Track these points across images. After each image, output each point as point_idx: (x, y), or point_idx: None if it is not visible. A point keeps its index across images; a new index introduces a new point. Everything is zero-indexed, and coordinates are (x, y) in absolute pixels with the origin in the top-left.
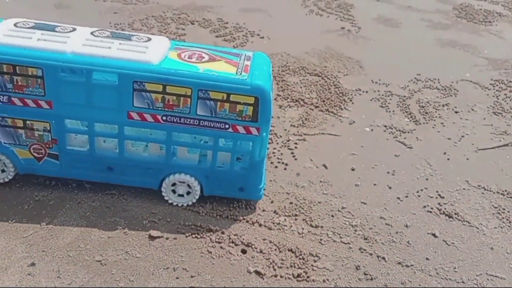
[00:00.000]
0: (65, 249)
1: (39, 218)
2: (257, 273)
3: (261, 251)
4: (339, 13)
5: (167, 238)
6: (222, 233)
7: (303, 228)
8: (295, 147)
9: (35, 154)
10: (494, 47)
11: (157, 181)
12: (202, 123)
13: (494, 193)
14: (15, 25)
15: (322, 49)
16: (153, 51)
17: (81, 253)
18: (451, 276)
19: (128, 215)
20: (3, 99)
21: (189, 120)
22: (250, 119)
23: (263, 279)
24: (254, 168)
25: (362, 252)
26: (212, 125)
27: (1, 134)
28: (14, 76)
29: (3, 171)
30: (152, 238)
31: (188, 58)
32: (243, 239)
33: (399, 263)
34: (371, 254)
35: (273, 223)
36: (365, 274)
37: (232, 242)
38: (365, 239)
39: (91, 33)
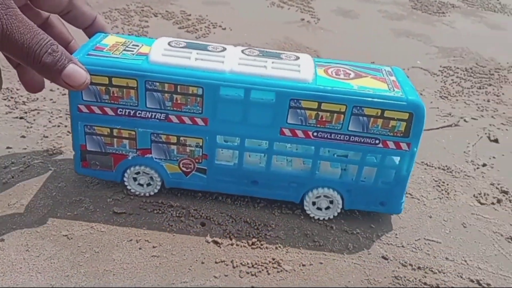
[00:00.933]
0: (32, 226)
1: (6, 199)
2: (215, 242)
3: (218, 224)
4: (300, 5)
5: (130, 214)
6: (183, 208)
7: (258, 202)
8: None
9: (184, 169)
10: (445, 37)
11: (299, 195)
12: (352, 138)
13: (435, 168)
14: (169, 44)
15: (281, 39)
16: (306, 70)
17: (48, 228)
18: (392, 241)
19: (93, 194)
20: (160, 116)
21: (339, 135)
22: (401, 134)
23: (220, 247)
24: (399, 182)
25: (312, 222)
26: (362, 140)
27: (153, 150)
28: (174, 95)
29: (148, 184)
30: (116, 214)
31: (336, 74)
32: (202, 213)
33: (346, 231)
34: (320, 224)
35: (231, 199)
36: (314, 241)
37: (192, 216)
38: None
39: (242, 51)
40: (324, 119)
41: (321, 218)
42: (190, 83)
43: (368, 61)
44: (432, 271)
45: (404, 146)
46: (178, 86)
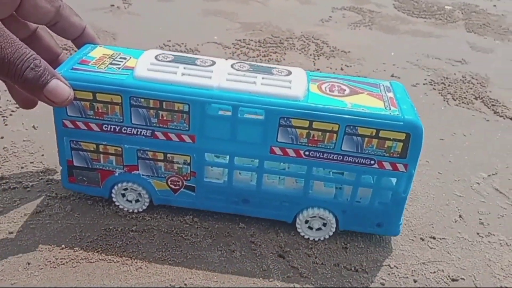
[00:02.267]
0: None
1: None
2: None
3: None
4: None
5: None
6: None
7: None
8: None
9: (172, 186)
10: (254, 14)
11: (292, 214)
12: (346, 158)
13: None
14: (156, 58)
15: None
16: (298, 86)
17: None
18: None
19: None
20: (146, 133)
21: (332, 155)
22: (398, 155)
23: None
24: (396, 204)
25: None
26: (356, 160)
27: (140, 167)
28: (160, 111)
29: (137, 201)
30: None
31: (330, 91)
32: None
33: None
34: None
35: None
36: None
37: None
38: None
39: (232, 66)
40: (316, 138)
41: (316, 239)
42: (176, 99)
43: (165, 40)
44: None
45: (401, 167)
46: (164, 103)
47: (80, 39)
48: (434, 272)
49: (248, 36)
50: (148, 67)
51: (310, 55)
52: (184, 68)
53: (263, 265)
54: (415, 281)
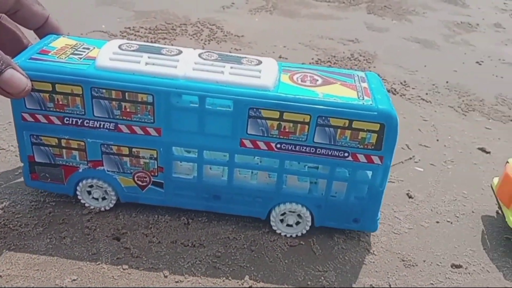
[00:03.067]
0: None
1: None
2: None
3: None
4: None
5: None
6: None
7: None
8: None
9: (139, 182)
10: (151, 2)
11: (266, 210)
12: (319, 151)
13: None
14: (119, 47)
15: None
16: (268, 76)
17: None
18: None
19: None
20: (109, 126)
21: (304, 148)
22: (372, 147)
23: None
24: (372, 198)
25: None
26: (329, 153)
27: (105, 162)
28: (123, 103)
29: (104, 198)
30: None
31: (302, 81)
32: None
33: None
34: None
35: None
36: None
37: None
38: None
39: (199, 55)
40: (287, 130)
41: (289, 235)
42: (139, 90)
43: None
44: None
45: (376, 159)
46: (126, 93)
47: (43, 29)
48: (273, 241)
49: (140, 24)
50: (110, 56)
51: (202, 40)
52: (149, 57)
53: (93, 249)
54: (252, 250)
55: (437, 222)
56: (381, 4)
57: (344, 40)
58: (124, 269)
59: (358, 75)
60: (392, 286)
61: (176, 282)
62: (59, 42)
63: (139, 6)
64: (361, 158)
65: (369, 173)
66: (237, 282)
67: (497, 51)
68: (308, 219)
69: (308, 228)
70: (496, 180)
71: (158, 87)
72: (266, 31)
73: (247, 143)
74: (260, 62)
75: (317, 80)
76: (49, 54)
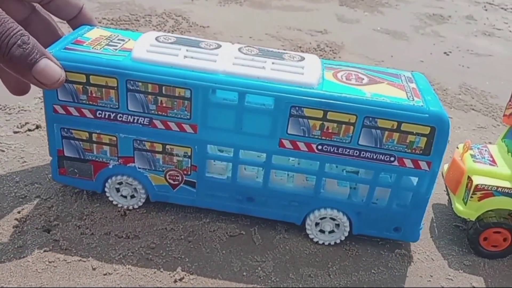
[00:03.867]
0: None
1: None
2: None
3: None
4: None
5: None
6: None
7: None
8: None
9: (171, 181)
10: None
11: (301, 215)
12: (363, 154)
13: None
14: (156, 39)
15: None
16: (311, 72)
17: None
18: None
19: None
20: (144, 121)
21: (348, 150)
22: (421, 151)
23: None
24: (416, 206)
25: None
26: (374, 157)
27: (136, 159)
28: (159, 97)
29: (132, 196)
30: None
31: (347, 79)
32: None
33: None
34: None
35: None
36: None
37: None
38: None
39: (239, 49)
40: (330, 131)
41: (326, 243)
42: (177, 84)
43: None
44: None
45: (423, 165)
46: (163, 87)
47: (76, 20)
48: (213, 231)
49: (103, 14)
50: (147, 48)
51: (165, 30)
52: (187, 50)
53: (20, 242)
54: (189, 241)
55: None
56: None
57: (312, 31)
58: (50, 262)
59: (404, 75)
60: (331, 276)
61: (104, 274)
62: (94, 33)
63: None
64: (408, 163)
65: (414, 179)
66: (169, 273)
67: (466, 42)
68: (346, 226)
69: (345, 235)
70: (446, 167)
71: (197, 81)
72: (232, 22)
73: (287, 144)
74: (303, 58)
75: (363, 79)
76: (84, 44)
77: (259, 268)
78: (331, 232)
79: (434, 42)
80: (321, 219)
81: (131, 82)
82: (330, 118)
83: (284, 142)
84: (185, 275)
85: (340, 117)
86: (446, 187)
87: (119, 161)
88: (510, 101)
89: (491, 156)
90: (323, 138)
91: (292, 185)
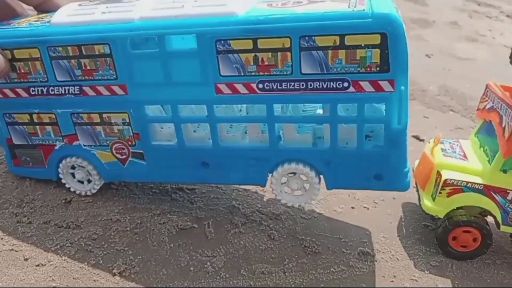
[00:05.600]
0: None
1: None
2: None
3: None
4: None
5: None
6: None
7: None
8: None
9: (118, 155)
10: None
11: (263, 174)
12: (310, 84)
13: None
14: (79, 5)
15: None
16: (235, 2)
17: None
18: None
19: None
20: (74, 90)
21: (292, 83)
22: (378, 68)
23: None
24: (394, 142)
25: None
26: (324, 85)
27: (79, 135)
28: (81, 60)
29: (89, 181)
30: None
31: (282, 5)
32: None
33: None
34: None
35: None
36: None
37: None
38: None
39: None
40: (266, 63)
41: (296, 205)
42: (93, 40)
43: None
44: None
45: (385, 85)
46: (83, 48)
47: (44, 6)
48: (162, 223)
49: None
50: (67, 13)
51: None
52: (106, 7)
53: None
54: (135, 233)
55: (352, 207)
56: None
57: None
58: None
59: None
60: (286, 274)
61: (37, 265)
62: (37, 17)
63: None
64: (366, 86)
65: (382, 107)
66: (108, 266)
67: (449, 46)
68: (315, 182)
69: (318, 193)
70: (416, 163)
71: (112, 33)
72: None
73: (224, 88)
74: None
75: (301, 2)
76: (11, 24)
77: (208, 264)
78: (298, 191)
79: (416, 45)
80: (289, 176)
81: (52, 48)
82: (262, 46)
83: (220, 87)
84: (126, 268)
85: (272, 43)
86: (415, 183)
87: (64, 140)
88: (484, 94)
89: (463, 151)
90: (261, 74)
91: (248, 140)
